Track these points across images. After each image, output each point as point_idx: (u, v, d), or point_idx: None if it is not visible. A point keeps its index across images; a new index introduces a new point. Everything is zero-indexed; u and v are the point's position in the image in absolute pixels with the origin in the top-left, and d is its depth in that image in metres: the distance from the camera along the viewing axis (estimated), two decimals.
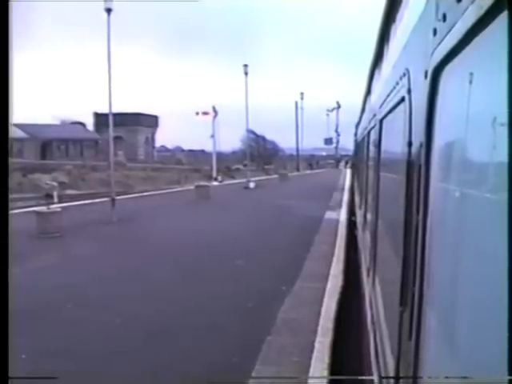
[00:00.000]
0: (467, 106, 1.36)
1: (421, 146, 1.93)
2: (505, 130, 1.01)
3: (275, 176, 49.66)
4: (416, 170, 2.01)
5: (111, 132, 20.65)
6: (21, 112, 63.18)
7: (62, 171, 52.37)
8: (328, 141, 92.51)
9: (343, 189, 32.17)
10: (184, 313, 7.97)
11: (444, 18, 1.53)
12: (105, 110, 22.48)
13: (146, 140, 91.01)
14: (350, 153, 53.53)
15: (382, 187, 4.68)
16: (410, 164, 2.22)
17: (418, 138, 1.99)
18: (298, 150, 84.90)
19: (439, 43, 1.58)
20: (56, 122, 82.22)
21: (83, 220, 18.09)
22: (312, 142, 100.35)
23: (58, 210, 16.58)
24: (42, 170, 50.83)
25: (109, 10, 18.74)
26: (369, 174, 7.40)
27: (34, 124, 70.06)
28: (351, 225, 15.62)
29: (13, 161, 45.47)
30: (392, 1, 4.34)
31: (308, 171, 74.44)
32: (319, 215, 18.95)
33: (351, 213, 18.30)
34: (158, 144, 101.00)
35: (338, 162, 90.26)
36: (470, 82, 1.33)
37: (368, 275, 5.60)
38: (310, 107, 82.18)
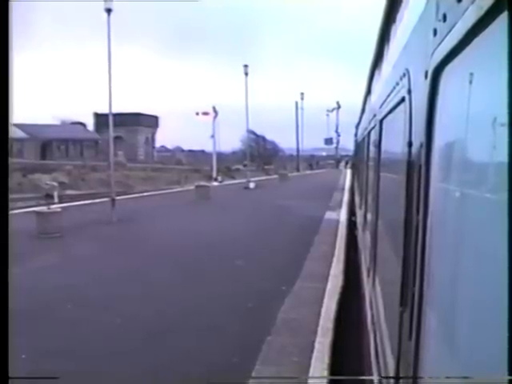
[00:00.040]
0: (467, 107, 1.36)
1: (421, 146, 1.93)
2: (505, 130, 1.01)
3: (275, 176, 49.67)
4: (416, 170, 2.01)
5: (111, 132, 20.65)
6: (21, 112, 63.29)
7: (62, 171, 52.37)
8: (328, 141, 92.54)
9: (343, 189, 32.18)
10: (184, 313, 7.97)
11: (444, 18, 1.53)
12: (105, 111, 22.48)
13: (146, 140, 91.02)
14: (350, 153, 53.57)
15: (382, 187, 4.68)
16: (410, 164, 2.22)
17: (418, 138, 1.99)
18: (298, 150, 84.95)
19: (439, 43, 1.58)
20: (56, 122, 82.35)
21: (83, 220, 18.09)
22: (312, 143, 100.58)
23: (58, 210, 16.58)
24: (42, 170, 50.83)
25: (109, 10, 18.74)
26: (369, 174, 7.40)
27: (34, 124, 70.08)
28: (351, 225, 15.62)
29: (13, 161, 45.48)
30: (392, 1, 4.34)
31: (308, 171, 74.44)
32: (319, 215, 18.95)
33: (351, 213, 18.30)
34: (158, 144, 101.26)
35: (338, 162, 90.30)
36: (470, 83, 1.33)
37: (368, 275, 5.60)
38: (310, 107, 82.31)
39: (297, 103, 78.68)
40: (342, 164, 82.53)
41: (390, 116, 3.63)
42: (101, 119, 70.03)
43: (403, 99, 2.55)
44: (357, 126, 18.58)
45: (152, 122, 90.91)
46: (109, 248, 13.70)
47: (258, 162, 75.70)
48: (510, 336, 0.94)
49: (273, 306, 7.93)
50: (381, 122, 4.54)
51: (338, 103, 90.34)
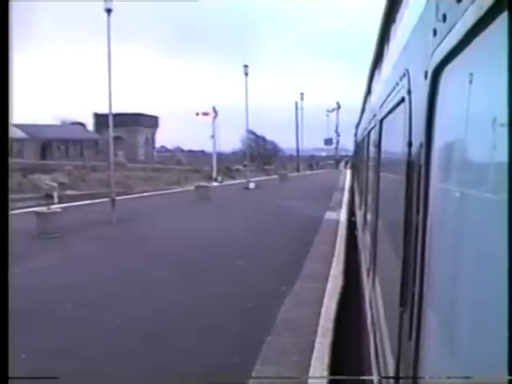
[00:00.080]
0: (467, 107, 1.36)
1: (421, 146, 1.93)
2: (505, 131, 1.01)
3: (275, 176, 49.67)
4: (416, 170, 2.01)
5: (111, 132, 20.65)
6: (21, 112, 63.30)
7: (62, 171, 52.37)
8: (328, 141, 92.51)
9: (343, 189, 32.18)
10: (184, 313, 7.97)
11: (444, 18, 1.53)
12: (105, 111, 22.49)
13: (146, 140, 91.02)
14: (350, 153, 53.55)
15: (382, 188, 4.68)
16: (410, 164, 2.22)
17: (418, 138, 1.99)
18: (298, 150, 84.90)
19: (439, 44, 1.58)
20: (56, 122, 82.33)
21: (83, 220, 18.09)
22: (312, 143, 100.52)
23: (58, 210, 16.58)
24: (42, 170, 50.82)
25: (109, 11, 18.74)
26: (369, 174, 7.40)
27: (34, 124, 70.07)
28: (351, 225, 15.62)
29: (13, 161, 45.47)
30: (392, 1, 4.34)
31: (308, 172, 74.42)
32: (319, 215, 18.95)
33: (351, 213, 18.30)
34: (158, 144, 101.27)
35: (337, 162, 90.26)
36: (470, 83, 1.33)
37: (368, 275, 5.60)
38: (309, 107, 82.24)
39: (297, 103, 78.69)
40: (342, 164, 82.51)
41: (390, 116, 3.63)
42: (101, 119, 70.01)
43: (403, 99, 2.55)
44: (357, 126, 18.58)
45: (152, 122, 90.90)
46: (109, 248, 13.70)
47: (258, 162, 75.69)
48: (510, 336, 0.94)
49: (273, 306, 7.93)
50: (381, 122, 4.55)
51: (337, 103, 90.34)
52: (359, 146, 14.92)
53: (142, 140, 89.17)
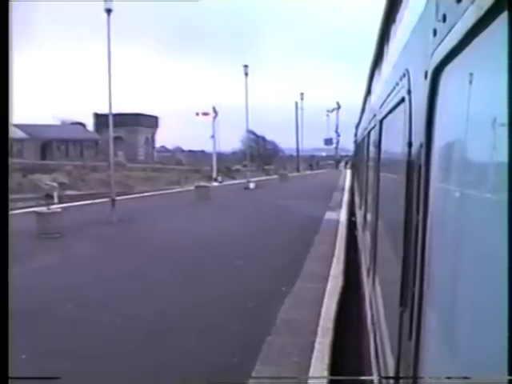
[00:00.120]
0: (467, 107, 1.36)
1: (421, 146, 1.93)
2: (505, 130, 1.01)
3: (275, 176, 49.67)
4: (416, 170, 2.01)
5: (111, 132, 20.66)
6: (21, 112, 63.29)
7: (62, 172, 52.37)
8: (328, 141, 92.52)
9: (343, 189, 32.18)
10: (184, 313, 7.97)
11: (444, 18, 1.53)
12: (105, 111, 22.49)
13: (146, 140, 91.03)
14: (350, 153, 53.55)
15: (382, 188, 4.68)
16: (410, 164, 2.22)
17: (418, 138, 1.99)
18: (298, 150, 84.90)
19: (439, 44, 1.58)
20: (56, 122, 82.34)
21: (83, 220, 18.09)
22: (312, 143, 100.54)
23: (58, 210, 16.58)
24: (42, 170, 50.82)
25: (109, 11, 18.75)
26: (369, 174, 7.40)
27: (34, 124, 70.07)
28: (351, 225, 15.62)
29: (13, 161, 45.46)
30: (392, 1, 4.34)
31: (308, 172, 74.43)
32: (319, 215, 18.95)
33: (351, 213, 18.30)
34: (158, 144, 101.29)
35: (337, 162, 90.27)
36: (470, 83, 1.33)
37: (368, 275, 5.60)
38: (310, 107, 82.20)
39: (297, 103, 78.72)
40: (342, 164, 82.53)
41: (390, 116, 3.63)
42: (101, 119, 70.03)
43: (403, 99, 2.55)
44: (357, 126, 18.58)
45: (152, 122, 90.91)
46: (109, 248, 13.70)
47: (258, 162, 75.70)
48: (510, 336, 0.94)
49: (273, 306, 7.93)
50: (381, 122, 4.55)
51: (337, 103, 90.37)
52: (359, 146, 14.92)
53: (142, 140, 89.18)
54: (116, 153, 44.71)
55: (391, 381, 2.69)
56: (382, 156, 4.71)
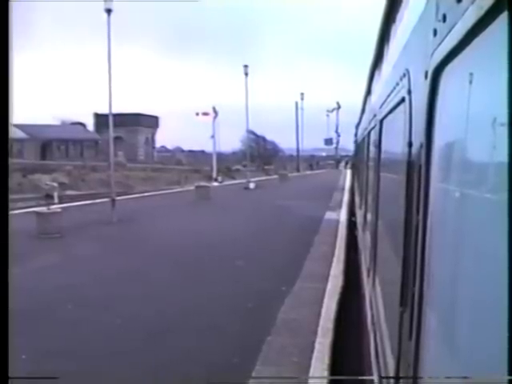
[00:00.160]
0: (467, 107, 1.36)
1: (421, 146, 1.93)
2: (505, 130, 1.01)
3: (275, 176, 49.67)
4: (416, 170, 2.01)
5: (111, 132, 20.66)
6: (21, 112, 63.28)
7: (62, 172, 52.37)
8: (328, 141, 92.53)
9: (343, 189, 32.18)
10: (184, 313, 7.97)
11: (444, 18, 1.53)
12: (105, 111, 22.49)
13: (146, 140, 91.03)
14: (350, 153, 53.58)
15: (382, 188, 4.68)
16: (410, 164, 2.22)
17: (418, 138, 1.99)
18: (298, 150, 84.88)
19: (439, 44, 1.58)
20: (56, 122, 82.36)
21: (83, 220, 18.09)
22: (312, 143, 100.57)
23: (58, 210, 16.58)
24: (42, 170, 50.82)
25: (109, 11, 18.75)
26: (369, 174, 7.40)
27: (34, 124, 70.06)
28: (351, 225, 15.62)
29: (13, 161, 45.47)
30: (392, 1, 4.34)
31: (308, 172, 74.42)
32: (319, 216, 18.95)
33: (351, 213, 18.30)
34: (158, 144, 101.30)
35: (338, 162, 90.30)
36: (470, 83, 1.33)
37: (368, 275, 5.60)
38: (310, 107, 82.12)
39: (297, 103, 78.68)
40: (342, 164, 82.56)
41: (390, 116, 3.63)
42: (101, 119, 70.03)
43: (403, 99, 2.55)
44: (357, 126, 18.58)
45: (152, 122, 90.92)
46: (109, 248, 13.70)
47: (258, 162, 75.70)
48: (510, 336, 0.94)
49: (273, 307, 7.93)
50: (381, 122, 4.55)
51: (338, 103, 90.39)
52: (359, 146, 14.92)
53: (142, 140, 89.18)
54: (116, 153, 44.69)
55: (391, 381, 2.69)
56: (382, 156, 4.71)
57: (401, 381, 2.32)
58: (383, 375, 3.06)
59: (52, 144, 75.26)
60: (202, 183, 33.87)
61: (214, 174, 48.03)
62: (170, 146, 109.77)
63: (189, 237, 14.93)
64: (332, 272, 10.28)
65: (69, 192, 41.27)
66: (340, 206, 22.72)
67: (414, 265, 1.99)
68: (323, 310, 7.77)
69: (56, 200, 27.87)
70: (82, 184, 49.29)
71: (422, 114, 1.86)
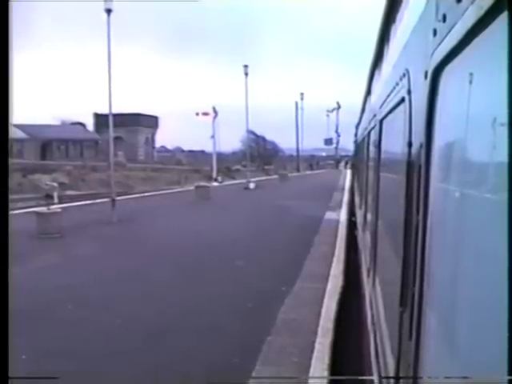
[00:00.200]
0: (467, 107, 1.36)
1: (421, 146, 1.93)
2: (505, 130, 1.01)
3: (275, 176, 49.68)
4: (416, 170, 2.01)
5: (111, 132, 20.66)
6: (21, 112, 63.31)
7: (62, 172, 52.36)
8: (328, 141, 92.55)
9: (343, 189, 32.18)
10: (184, 313, 7.97)
11: (444, 18, 1.53)
12: (105, 111, 22.50)
13: (146, 140, 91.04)
14: (350, 153, 53.55)
15: (382, 188, 4.68)
16: (410, 164, 2.22)
17: (418, 138, 1.99)
18: (298, 150, 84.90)
19: (439, 44, 1.58)
20: (56, 122, 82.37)
21: (83, 220, 18.09)
22: (312, 143, 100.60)
23: (58, 210, 16.58)
24: (42, 170, 50.81)
25: (109, 11, 18.75)
26: (369, 174, 7.40)
27: (34, 124, 70.06)
28: (351, 225, 15.62)
29: (13, 161, 45.46)
30: (392, 1, 4.34)
31: (308, 172, 74.43)
32: (319, 216, 18.95)
33: (351, 213, 18.30)
34: (158, 144, 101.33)
35: (337, 162, 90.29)
36: (470, 83, 1.33)
37: (368, 275, 5.60)
38: (310, 107, 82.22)
39: (297, 103, 78.71)
40: (342, 164, 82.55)
41: (390, 116, 3.63)
42: (101, 119, 70.04)
43: (403, 99, 2.55)
44: (357, 126, 18.58)
45: (152, 122, 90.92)
46: (109, 248, 13.70)
47: (258, 162, 75.70)
48: (510, 336, 0.94)
49: (273, 307, 7.93)
50: (381, 122, 4.55)
51: (338, 103, 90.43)
52: (359, 146, 14.92)
53: (142, 140, 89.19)
54: (116, 153, 44.69)
55: (391, 381, 2.69)
56: (382, 156, 4.71)
57: (401, 381, 2.32)
58: (383, 375, 3.06)
59: (52, 144, 75.26)
60: (202, 183, 33.87)
61: (214, 174, 48.04)
62: (169, 146, 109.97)
63: (189, 237, 14.93)
64: (332, 272, 10.27)
65: (69, 192, 41.27)
66: (340, 206, 22.71)
67: (413, 265, 1.99)
68: (323, 310, 7.77)
69: (56, 200, 27.88)
70: (81, 184, 49.29)
71: (422, 114, 1.86)
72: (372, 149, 6.40)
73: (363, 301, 6.08)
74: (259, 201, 27.02)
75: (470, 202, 1.40)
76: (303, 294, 8.72)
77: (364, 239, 7.78)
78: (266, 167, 70.24)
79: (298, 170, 73.93)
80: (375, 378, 3.48)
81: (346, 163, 73.37)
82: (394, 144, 3.12)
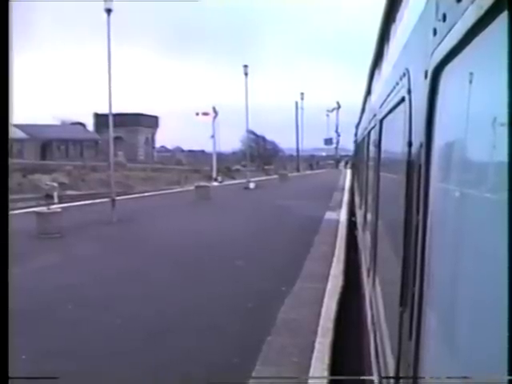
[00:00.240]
0: (467, 106, 1.36)
1: (421, 146, 1.93)
2: (505, 130, 1.01)
3: (275, 176, 49.69)
4: (416, 170, 2.01)
5: (111, 132, 20.66)
6: (21, 112, 63.30)
7: (62, 172, 52.36)
8: (328, 141, 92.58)
9: (343, 189, 32.19)
10: (184, 313, 7.97)
11: (444, 18, 1.53)
12: (105, 111, 22.50)
13: (146, 140, 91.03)
14: (350, 153, 53.54)
15: (382, 187, 4.68)
16: (410, 164, 2.22)
17: (418, 138, 1.99)
18: (298, 150, 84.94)
19: (439, 43, 1.58)
20: (56, 122, 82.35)
21: (83, 220, 18.09)
22: (312, 143, 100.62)
23: (58, 210, 16.58)
24: (42, 170, 50.81)
25: (109, 11, 18.75)
26: (369, 174, 7.40)
27: (34, 124, 70.05)
28: (351, 225, 15.62)
29: (13, 161, 45.45)
30: (392, 1, 4.34)
31: (308, 171, 74.46)
32: (319, 215, 18.95)
33: (351, 213, 18.30)
34: (158, 144, 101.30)
35: (337, 162, 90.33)
36: (470, 82, 1.33)
37: (368, 275, 5.60)
38: (310, 107, 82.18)
39: (297, 103, 78.75)
40: (342, 164, 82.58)
41: (390, 116, 3.63)
42: (101, 119, 70.02)
43: (403, 99, 2.55)
44: (357, 126, 18.58)
45: (152, 122, 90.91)
46: (109, 248, 13.70)
47: (258, 162, 75.72)
48: (510, 336, 0.94)
49: (273, 307, 7.92)
50: (381, 121, 4.54)
51: (338, 103, 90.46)
52: (359, 145, 14.92)
53: (142, 140, 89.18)
54: (116, 153, 44.70)
55: (391, 381, 2.69)
56: (382, 156, 4.71)
57: (401, 381, 2.32)
58: (383, 375, 3.06)
59: (52, 144, 75.25)
60: (202, 183, 33.88)
61: (214, 174, 48.06)
62: (169, 146, 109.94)
63: (189, 237, 14.92)
64: (332, 272, 10.27)
65: (69, 192, 41.28)
66: (340, 206, 22.71)
67: (413, 265, 1.99)
68: (323, 310, 7.76)
69: (56, 200, 27.90)
70: (81, 184, 49.29)
71: (422, 113, 1.86)
72: (372, 148, 6.40)
73: (363, 301, 6.08)
74: (259, 201, 27.02)
75: (470, 201, 1.40)
76: (303, 294, 8.72)
77: (364, 239, 7.78)
78: (266, 167, 70.25)
79: (297, 170, 73.95)
80: (375, 378, 3.48)
81: (346, 163, 73.39)
82: (394, 144, 3.12)
